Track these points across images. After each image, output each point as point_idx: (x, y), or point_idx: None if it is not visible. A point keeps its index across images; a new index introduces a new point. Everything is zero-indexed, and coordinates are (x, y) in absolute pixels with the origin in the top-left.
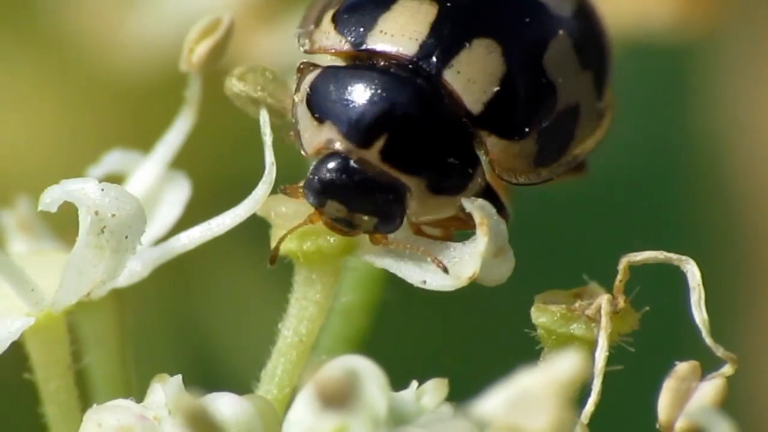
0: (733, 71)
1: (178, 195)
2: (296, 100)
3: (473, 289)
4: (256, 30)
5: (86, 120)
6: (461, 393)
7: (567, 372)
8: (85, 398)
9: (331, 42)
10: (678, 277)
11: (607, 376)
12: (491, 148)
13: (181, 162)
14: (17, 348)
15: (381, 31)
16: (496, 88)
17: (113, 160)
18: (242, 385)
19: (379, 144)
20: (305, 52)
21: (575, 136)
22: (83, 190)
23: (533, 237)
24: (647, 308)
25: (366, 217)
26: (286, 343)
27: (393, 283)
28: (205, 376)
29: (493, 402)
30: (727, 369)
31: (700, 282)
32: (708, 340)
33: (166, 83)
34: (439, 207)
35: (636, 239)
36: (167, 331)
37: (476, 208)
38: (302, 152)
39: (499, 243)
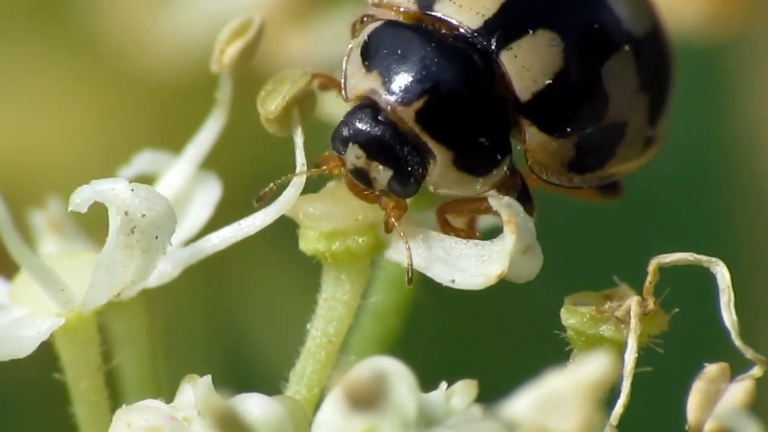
0: (764, 70)
1: (208, 195)
2: (352, 45)
3: (503, 290)
4: (289, 30)
5: (118, 119)
6: (490, 394)
7: (596, 373)
8: (114, 399)
9: (400, 0)
10: (708, 278)
11: (636, 378)
12: (529, 139)
13: (212, 162)
14: (47, 348)
15: (452, 0)
16: (548, 81)
17: (144, 160)
18: (271, 386)
19: (418, 105)
20: (373, 4)
21: (616, 154)
22: (113, 191)
23: (563, 238)
24: (677, 310)
25: (382, 169)
26: (314, 343)
27: (423, 283)
28: (235, 377)
29: (523, 403)
30: (757, 371)
31: (730, 284)
32: (737, 342)
33: (197, 83)
34: (459, 184)
35: (666, 240)
36: (196, 332)
37: (504, 206)
38: (343, 96)
39: (527, 240)
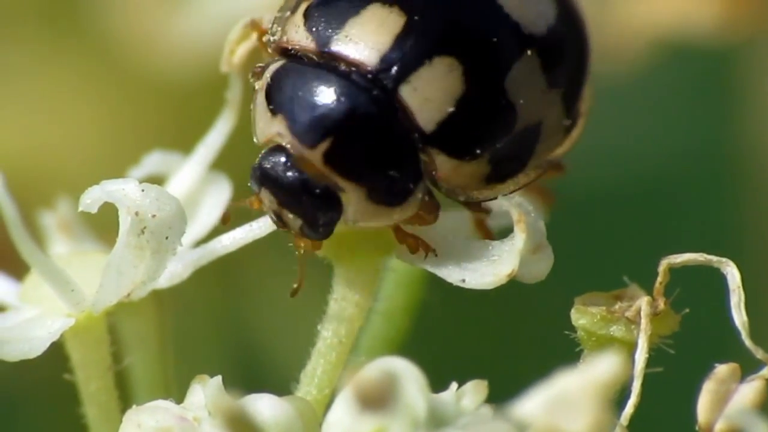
0: None
1: (219, 196)
2: (256, 86)
3: (513, 290)
4: None
5: (128, 120)
6: (501, 394)
7: (606, 374)
8: (125, 399)
9: (299, 37)
10: (718, 279)
11: (647, 378)
12: (440, 167)
13: (222, 163)
14: (58, 348)
15: (347, 36)
16: (452, 109)
17: (154, 161)
18: (282, 387)
19: (324, 146)
20: (274, 42)
21: (535, 152)
22: (123, 191)
23: (574, 239)
24: (687, 310)
25: (292, 216)
26: (325, 344)
27: (432, 283)
28: (245, 377)
29: (533, 404)
30: (767, 371)
31: (740, 284)
32: (748, 343)
33: (208, 84)
34: (376, 217)
35: (677, 241)
36: (207, 332)
37: (513, 205)
38: (255, 139)
39: (537, 240)
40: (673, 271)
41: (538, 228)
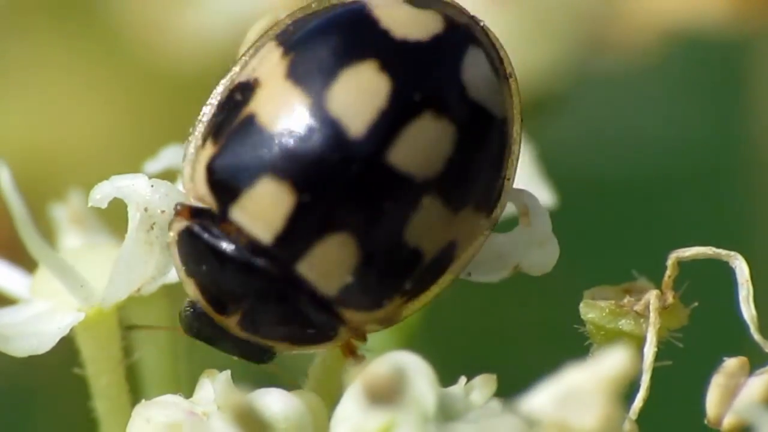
0: None
1: None
2: (169, 240)
3: (521, 284)
4: None
5: (139, 113)
6: (510, 389)
7: (616, 368)
8: (134, 394)
9: (203, 193)
10: (727, 272)
11: (656, 372)
12: (351, 319)
13: None
14: (68, 343)
15: (242, 207)
16: (351, 278)
17: (170, 155)
18: (291, 381)
19: (235, 317)
20: (185, 187)
21: (455, 258)
22: (133, 187)
23: (582, 231)
24: (696, 304)
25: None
26: None
27: None
28: (254, 372)
29: (542, 398)
30: None
31: (749, 278)
32: (756, 336)
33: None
34: (308, 350)
35: (687, 234)
36: None
37: (519, 197)
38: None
39: (542, 232)
40: (683, 264)
41: (543, 220)
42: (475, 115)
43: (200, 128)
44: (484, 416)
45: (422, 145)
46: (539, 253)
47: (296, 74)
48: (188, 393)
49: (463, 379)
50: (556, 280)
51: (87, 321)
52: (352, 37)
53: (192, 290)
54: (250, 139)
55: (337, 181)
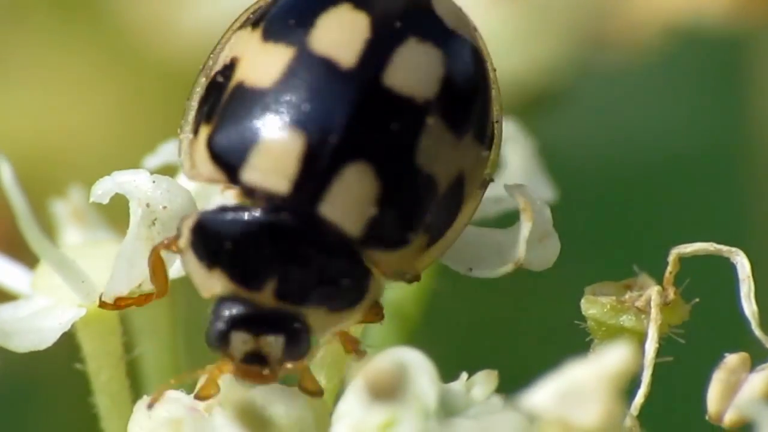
0: None
1: None
2: (181, 245)
3: (523, 279)
4: None
5: (140, 108)
6: (511, 385)
7: (617, 364)
8: (136, 389)
9: (208, 172)
10: (729, 268)
11: (657, 368)
12: (380, 261)
13: None
14: (70, 338)
15: (253, 167)
16: (374, 210)
17: (169, 150)
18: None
19: (271, 286)
20: (187, 176)
21: (465, 194)
22: (134, 182)
23: (584, 228)
24: (697, 300)
25: (273, 339)
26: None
27: (441, 272)
28: None
29: (543, 394)
30: None
31: (750, 274)
32: (758, 332)
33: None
34: (338, 324)
35: (688, 229)
36: None
37: (519, 193)
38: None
39: (543, 227)
40: (684, 260)
41: (544, 216)
42: (455, 42)
43: (190, 119)
44: (485, 412)
45: (414, 67)
46: (540, 248)
47: (272, 35)
48: (189, 389)
49: (464, 375)
50: (558, 275)
51: (88, 317)
52: None
53: (218, 281)
54: (243, 103)
55: (339, 113)
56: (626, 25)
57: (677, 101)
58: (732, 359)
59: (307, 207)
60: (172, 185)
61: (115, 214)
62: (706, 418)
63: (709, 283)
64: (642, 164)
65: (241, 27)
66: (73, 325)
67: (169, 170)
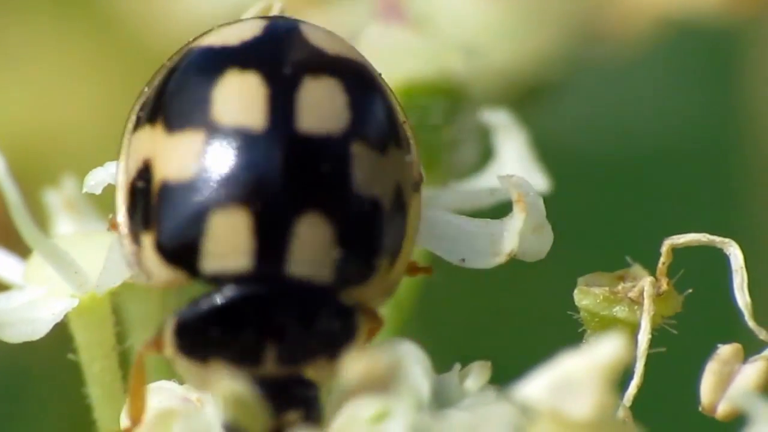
0: None
1: None
2: (169, 354)
3: (516, 271)
4: (307, 12)
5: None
6: (504, 376)
7: (611, 355)
8: (128, 380)
9: (167, 275)
10: (722, 259)
11: (650, 359)
12: (358, 295)
13: None
14: (62, 329)
15: (211, 255)
16: (337, 251)
17: None
18: None
19: (271, 357)
20: (145, 285)
21: (407, 206)
22: None
23: (577, 219)
24: (690, 290)
25: (290, 412)
26: None
27: (434, 263)
28: None
29: (536, 385)
30: None
31: (743, 265)
32: (751, 323)
33: None
34: (341, 360)
35: (682, 221)
36: None
37: (513, 185)
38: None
39: (536, 219)
40: (678, 251)
41: (537, 207)
42: (342, 64)
43: (125, 232)
44: (478, 403)
45: (320, 104)
46: (533, 239)
47: (175, 125)
48: (182, 379)
49: (457, 367)
50: (551, 266)
51: (80, 307)
52: (202, 70)
53: (217, 370)
54: (175, 199)
55: (271, 174)
56: (619, 18)
57: (669, 93)
58: (725, 350)
59: (276, 272)
60: None
61: (108, 205)
62: (699, 409)
63: (702, 274)
64: (635, 156)
65: (137, 128)
66: (65, 316)
67: None
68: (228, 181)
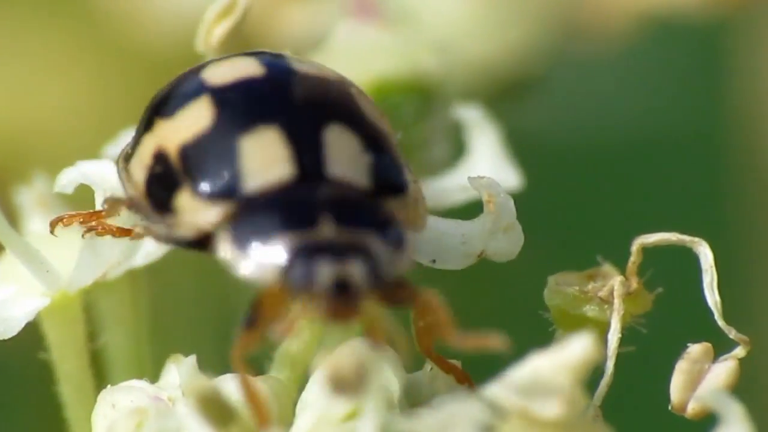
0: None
1: None
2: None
3: (486, 270)
4: (280, 10)
5: (111, 93)
6: (474, 375)
7: (579, 354)
8: (100, 378)
9: (212, 214)
10: (693, 258)
11: (620, 358)
12: (395, 209)
13: None
14: (33, 327)
15: (248, 174)
16: (367, 159)
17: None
18: (256, 365)
19: (327, 221)
20: (179, 242)
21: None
22: (99, 172)
23: (553, 217)
24: (660, 290)
25: (354, 260)
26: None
27: None
28: (221, 357)
29: (506, 384)
30: (740, 351)
31: (713, 264)
32: (720, 322)
33: (194, 56)
34: (398, 258)
35: (663, 218)
36: (184, 311)
37: (483, 186)
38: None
39: (507, 219)
40: (652, 250)
41: (507, 208)
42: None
43: (149, 209)
44: (448, 403)
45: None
46: (504, 240)
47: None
48: (154, 378)
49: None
50: (522, 265)
51: (52, 306)
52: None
53: (284, 245)
54: (202, 151)
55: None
56: (600, 13)
57: (651, 90)
58: (695, 349)
59: (321, 173)
60: None
61: (80, 204)
62: (670, 408)
63: (673, 272)
64: (614, 151)
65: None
66: (37, 314)
67: None
68: (247, 106)
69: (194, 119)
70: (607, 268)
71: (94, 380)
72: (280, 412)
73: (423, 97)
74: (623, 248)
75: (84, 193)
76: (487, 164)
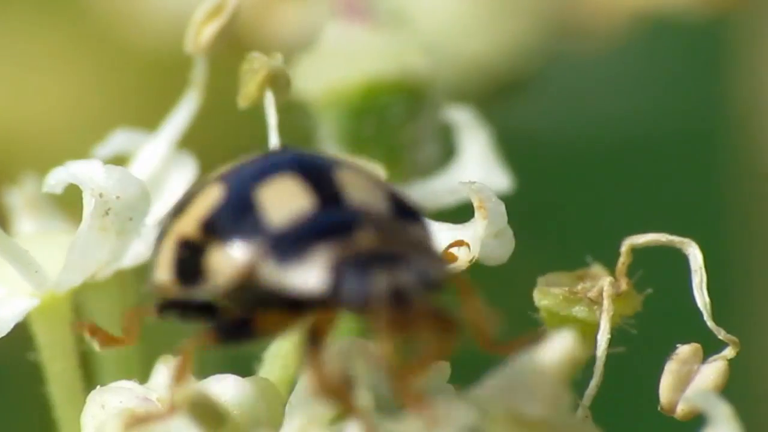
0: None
1: (183, 175)
2: None
3: (475, 271)
4: (278, 4)
5: (104, 94)
6: (462, 376)
7: (562, 353)
8: (89, 379)
9: (241, 263)
10: (682, 258)
11: (609, 359)
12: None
13: (189, 140)
14: (22, 328)
15: (270, 211)
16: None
17: (119, 140)
18: (246, 367)
19: (363, 233)
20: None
21: None
22: (88, 173)
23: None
24: (650, 290)
25: (404, 268)
26: None
27: None
28: (211, 357)
29: (493, 385)
30: (729, 352)
31: (702, 265)
32: (710, 323)
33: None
34: (437, 267)
35: (658, 217)
36: None
37: (474, 191)
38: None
39: (498, 225)
40: (643, 250)
41: (498, 213)
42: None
43: (180, 286)
44: (435, 403)
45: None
46: (495, 244)
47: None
48: (143, 379)
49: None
50: (511, 266)
51: (41, 306)
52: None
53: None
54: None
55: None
56: (594, 11)
57: (646, 88)
58: (684, 350)
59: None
60: (125, 175)
61: (69, 204)
62: (659, 408)
63: (663, 273)
64: (608, 152)
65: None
66: (26, 315)
67: (123, 159)
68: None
69: (205, 198)
70: (597, 268)
71: (83, 381)
72: (270, 413)
73: (412, 97)
74: (616, 248)
75: (73, 194)
76: (477, 166)
